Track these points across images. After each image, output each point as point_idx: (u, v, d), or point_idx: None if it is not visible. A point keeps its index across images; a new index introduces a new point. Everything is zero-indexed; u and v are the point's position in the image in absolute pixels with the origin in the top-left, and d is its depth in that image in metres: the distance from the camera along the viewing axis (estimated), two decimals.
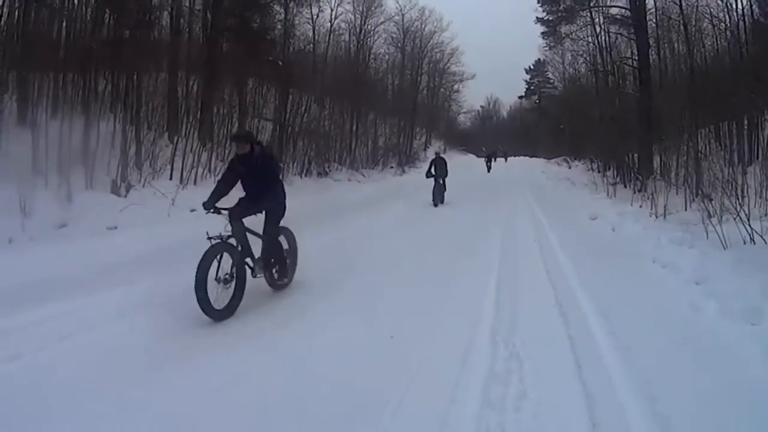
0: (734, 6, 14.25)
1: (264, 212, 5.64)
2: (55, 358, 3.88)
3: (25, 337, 4.07)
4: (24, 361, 3.77)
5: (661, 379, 3.55)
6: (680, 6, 15.51)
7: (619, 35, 20.15)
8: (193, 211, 10.13)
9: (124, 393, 3.35)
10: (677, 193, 10.92)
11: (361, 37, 29.37)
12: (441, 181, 15.33)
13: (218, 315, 4.78)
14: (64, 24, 10.82)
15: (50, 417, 3.10)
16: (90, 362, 3.81)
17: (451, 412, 3.19)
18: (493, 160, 39.42)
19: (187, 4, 15.15)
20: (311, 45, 23.66)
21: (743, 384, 3.51)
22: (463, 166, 34.78)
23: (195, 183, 11.79)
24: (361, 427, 3.07)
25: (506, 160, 45.41)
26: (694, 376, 3.65)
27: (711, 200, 8.27)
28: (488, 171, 35.16)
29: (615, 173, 17.68)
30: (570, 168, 29.72)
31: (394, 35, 35.75)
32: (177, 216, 9.62)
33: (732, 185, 8.14)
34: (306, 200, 13.00)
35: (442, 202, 15.09)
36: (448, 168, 15.68)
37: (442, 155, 16.51)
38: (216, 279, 4.86)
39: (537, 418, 3.14)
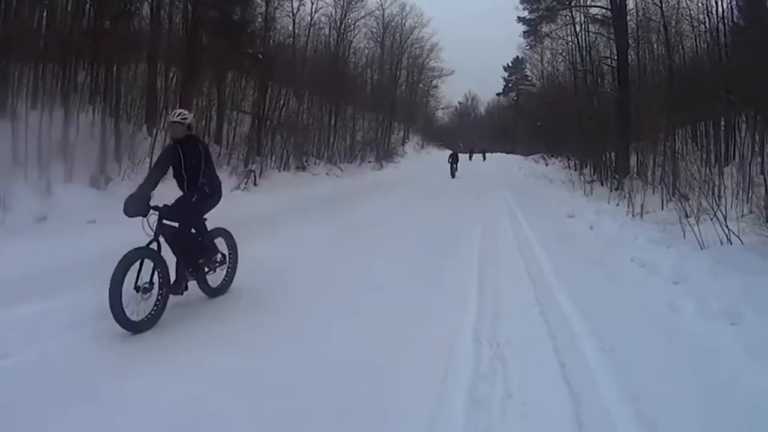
0: (714, 9, 14.47)
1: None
2: None
3: None
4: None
5: (643, 378, 3.60)
6: (661, 7, 15.69)
7: (598, 35, 20.39)
8: None
9: None
10: (654, 193, 11.05)
11: (341, 31, 29.24)
12: (174, 232, 5.01)
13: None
14: (45, 13, 10.56)
15: None
16: None
17: None
18: (469, 158, 38.83)
19: None
20: (291, 38, 23.52)
21: (725, 384, 3.58)
22: (430, 162, 34.71)
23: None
24: None
25: (484, 158, 44.87)
26: (676, 375, 3.72)
27: (688, 200, 8.36)
28: (452, 176, 25.96)
29: (592, 171, 17.88)
30: (547, 165, 30.06)
31: (374, 30, 35.79)
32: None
33: (709, 185, 8.24)
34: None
35: (201, 285, 5.23)
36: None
37: (190, 131, 5.22)
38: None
39: (524, 419, 3.15)
